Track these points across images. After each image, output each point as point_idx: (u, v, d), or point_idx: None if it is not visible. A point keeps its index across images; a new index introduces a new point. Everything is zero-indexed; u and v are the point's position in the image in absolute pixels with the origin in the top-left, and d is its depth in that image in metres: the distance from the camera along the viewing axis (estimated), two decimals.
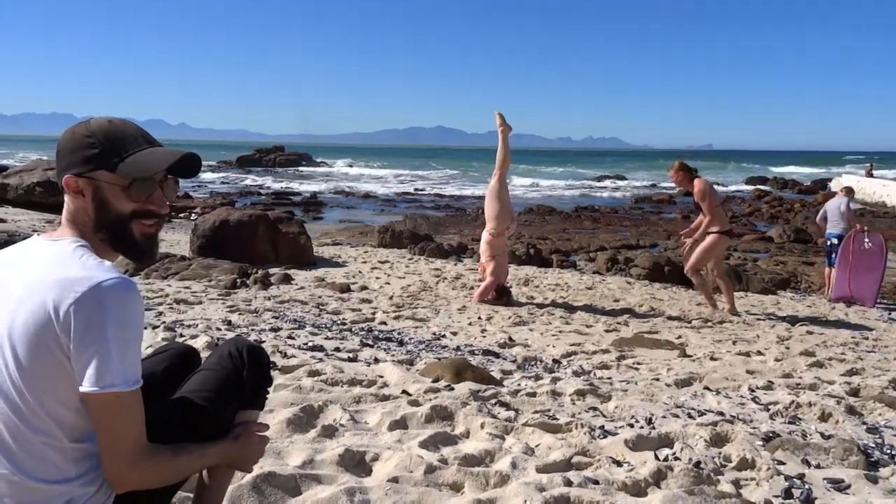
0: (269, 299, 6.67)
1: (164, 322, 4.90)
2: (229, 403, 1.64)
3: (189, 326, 4.79)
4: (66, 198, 1.40)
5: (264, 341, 4.33)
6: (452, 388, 3.43)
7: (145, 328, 4.54)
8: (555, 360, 4.80)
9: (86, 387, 1.25)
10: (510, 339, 5.55)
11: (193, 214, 17.85)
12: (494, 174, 7.48)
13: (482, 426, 2.84)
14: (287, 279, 7.97)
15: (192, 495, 1.84)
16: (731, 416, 3.25)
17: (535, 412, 3.13)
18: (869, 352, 5.54)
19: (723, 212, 7.40)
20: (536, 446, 2.70)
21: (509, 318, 6.47)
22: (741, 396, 3.81)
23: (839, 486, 2.40)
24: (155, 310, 5.59)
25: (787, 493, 2.32)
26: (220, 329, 4.79)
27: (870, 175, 31.56)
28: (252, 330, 4.86)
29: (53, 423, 1.28)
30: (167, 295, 6.42)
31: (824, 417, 3.31)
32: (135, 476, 1.33)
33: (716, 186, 7.78)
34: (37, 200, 15.88)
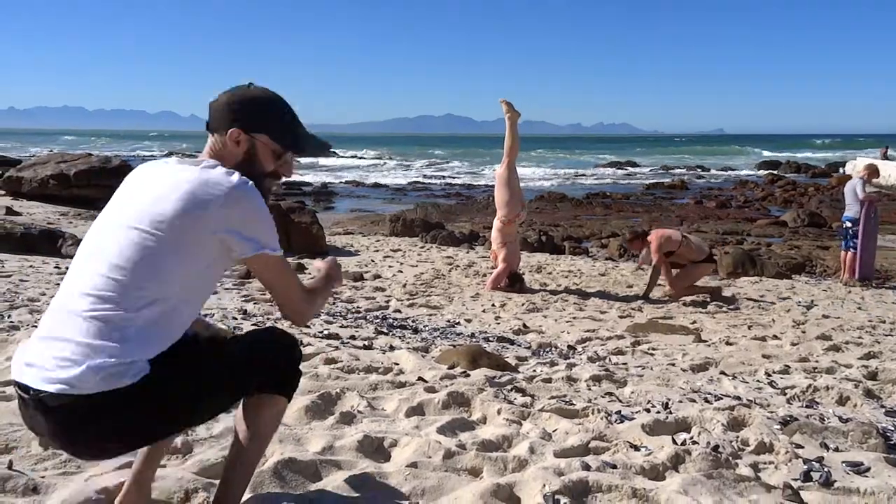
0: None
1: None
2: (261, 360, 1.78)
3: (205, 315, 4.83)
4: (217, 141, 1.71)
5: None
6: (468, 375, 3.44)
7: None
8: (569, 347, 4.81)
9: (253, 252, 1.60)
10: (524, 325, 5.55)
11: None
12: (503, 161, 7.46)
13: (499, 412, 2.85)
14: (300, 269, 8.01)
15: (216, 482, 1.86)
16: (748, 400, 3.24)
17: (552, 398, 3.14)
18: (886, 335, 5.50)
19: (695, 243, 7.37)
20: (553, 431, 2.71)
21: (523, 304, 6.47)
22: (758, 381, 3.80)
23: (858, 468, 2.39)
24: None
25: (806, 476, 2.31)
26: (235, 318, 4.83)
27: (885, 158, 31.17)
28: (268, 319, 4.89)
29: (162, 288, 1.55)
30: None
31: (842, 401, 3.29)
32: (309, 309, 1.75)
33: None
34: (51, 193, 16.00)
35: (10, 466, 2.08)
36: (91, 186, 16.69)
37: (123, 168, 17.63)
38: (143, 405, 1.51)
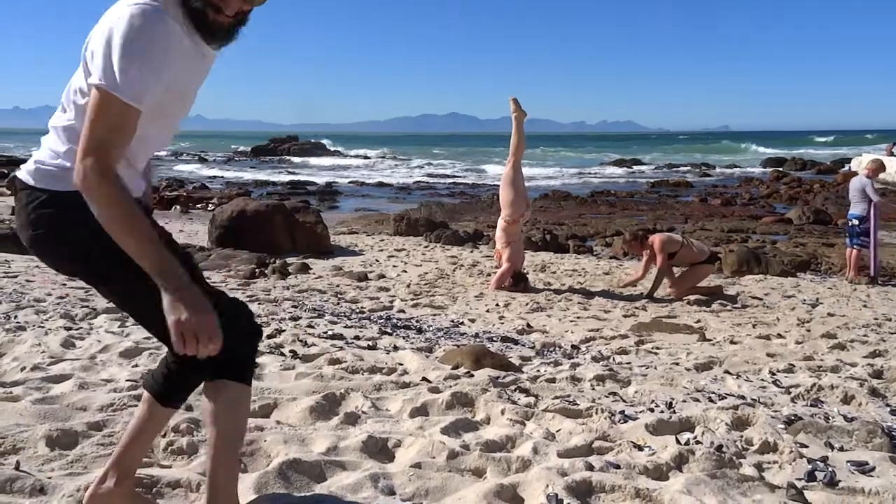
0: (288, 289, 6.72)
1: None
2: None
3: None
4: None
5: (284, 330, 4.38)
6: (472, 375, 3.45)
7: None
8: (573, 346, 4.81)
9: (94, 81, 1.47)
10: (528, 325, 5.55)
11: (211, 205, 17.98)
12: (508, 161, 7.46)
13: (503, 412, 2.85)
14: (305, 268, 8.03)
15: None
16: (752, 399, 3.24)
17: (555, 398, 3.14)
18: (892, 333, 5.48)
19: (696, 245, 7.48)
20: (557, 431, 2.71)
21: (527, 304, 6.47)
22: (762, 380, 3.79)
23: (863, 468, 2.39)
24: None
25: (811, 476, 2.31)
26: None
27: (891, 154, 31.01)
28: (272, 319, 4.90)
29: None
30: None
31: (847, 400, 3.28)
32: (86, 176, 1.45)
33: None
34: None
35: (17, 467, 2.09)
36: None
37: None
38: (72, 218, 1.59)
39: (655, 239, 7.33)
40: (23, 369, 3.22)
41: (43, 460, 2.19)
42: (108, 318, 4.53)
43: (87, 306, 5.01)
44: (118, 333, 4.09)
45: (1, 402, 2.69)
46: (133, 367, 3.38)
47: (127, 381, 3.08)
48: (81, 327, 4.25)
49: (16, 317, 4.46)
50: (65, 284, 6.16)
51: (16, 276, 6.34)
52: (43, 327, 4.14)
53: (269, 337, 4.15)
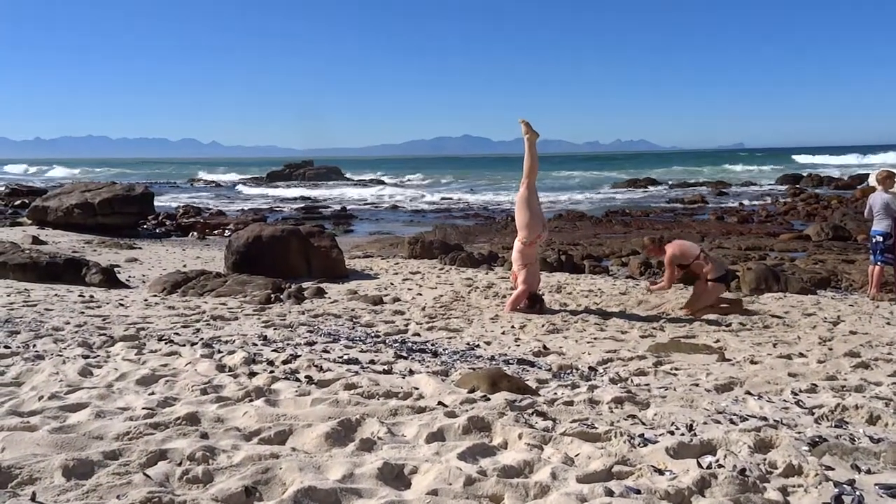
0: (304, 313, 6.73)
1: (202, 338, 4.98)
2: None
3: (226, 342, 4.85)
4: None
5: (300, 355, 4.37)
6: (488, 399, 3.41)
7: (183, 345, 4.62)
8: (591, 368, 4.75)
9: None
10: (544, 347, 5.51)
11: (227, 231, 18.14)
12: (522, 183, 7.44)
13: (520, 437, 2.81)
14: (320, 293, 8.04)
15: None
16: (774, 420, 3.18)
17: (573, 421, 3.10)
18: None
19: (714, 259, 7.47)
20: (576, 456, 2.67)
21: (543, 326, 6.42)
22: (784, 400, 3.72)
23: (892, 491, 2.32)
24: (192, 326, 5.68)
25: (838, 500, 2.25)
26: (256, 344, 4.85)
27: None
28: (287, 344, 4.90)
29: None
30: (204, 312, 6.52)
31: (872, 420, 3.21)
32: None
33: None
34: (75, 222, 16.29)
35: (33, 498, 2.09)
36: (115, 214, 16.98)
37: (147, 195, 17.95)
38: None
39: (668, 248, 7.37)
40: (40, 398, 3.23)
41: (59, 490, 2.19)
42: (125, 345, 4.55)
43: (104, 334, 5.05)
44: (135, 361, 4.11)
45: (18, 432, 2.70)
46: (150, 394, 3.38)
47: (143, 409, 3.08)
48: (99, 355, 4.28)
49: (34, 346, 4.49)
50: (83, 313, 6.21)
51: (35, 305, 6.40)
52: (61, 356, 4.17)
53: (284, 362, 4.14)
